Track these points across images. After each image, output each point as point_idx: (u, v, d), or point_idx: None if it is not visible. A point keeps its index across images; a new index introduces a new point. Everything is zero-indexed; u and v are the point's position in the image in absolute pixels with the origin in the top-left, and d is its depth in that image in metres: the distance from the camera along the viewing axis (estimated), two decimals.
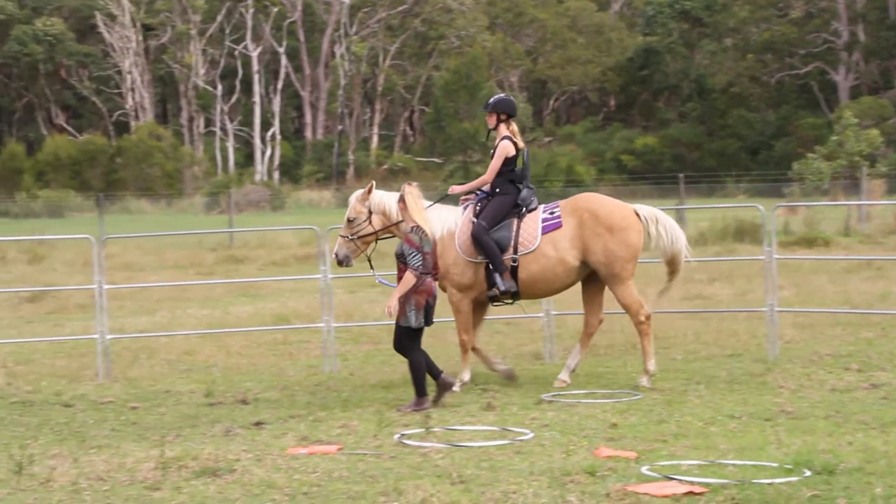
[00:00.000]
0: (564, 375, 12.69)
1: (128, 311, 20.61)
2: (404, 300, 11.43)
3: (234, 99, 77.69)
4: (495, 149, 12.83)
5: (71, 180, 66.04)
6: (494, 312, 18.50)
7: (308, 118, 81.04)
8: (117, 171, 67.88)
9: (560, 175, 47.70)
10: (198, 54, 77.14)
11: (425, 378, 11.57)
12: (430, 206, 12.66)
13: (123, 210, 57.36)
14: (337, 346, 14.92)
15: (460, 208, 12.95)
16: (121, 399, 12.88)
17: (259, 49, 77.25)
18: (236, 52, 77.50)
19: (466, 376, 12.70)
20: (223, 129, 76.85)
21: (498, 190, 12.77)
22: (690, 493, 8.09)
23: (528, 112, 78.23)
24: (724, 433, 10.08)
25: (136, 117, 76.97)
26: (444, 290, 12.61)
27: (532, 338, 15.53)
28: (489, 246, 12.44)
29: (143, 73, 78.30)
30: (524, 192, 12.83)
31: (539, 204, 12.90)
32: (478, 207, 12.79)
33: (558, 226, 12.57)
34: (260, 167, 75.28)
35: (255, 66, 76.78)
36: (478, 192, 12.94)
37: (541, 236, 12.55)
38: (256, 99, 76.68)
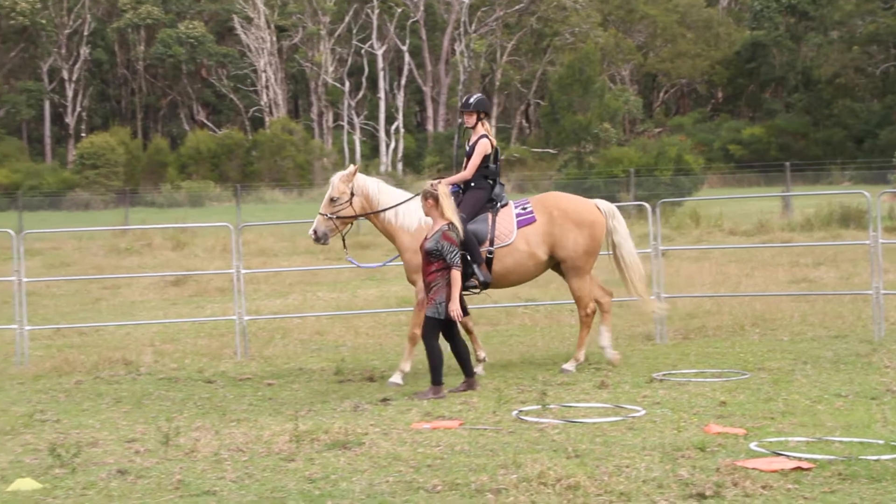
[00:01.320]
0: (611, 355, 12.67)
1: (263, 294, 20.89)
2: (438, 292, 11.18)
3: (360, 95, 78.22)
4: (474, 146, 12.67)
5: (211, 172, 67.12)
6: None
7: (429, 112, 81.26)
8: (253, 164, 68.79)
9: (669, 164, 47.08)
10: (327, 53, 77.79)
11: (442, 366, 11.33)
12: (410, 199, 12.52)
13: (258, 200, 58.12)
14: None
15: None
16: (258, 376, 13.07)
17: (384, 47, 77.64)
18: (363, 51, 78.01)
19: (407, 367, 12.26)
20: (350, 123, 77.42)
21: (473, 185, 12.62)
22: (798, 468, 7.94)
23: (639, 104, 77.49)
24: (830, 411, 9.88)
25: (270, 113, 77.90)
26: (413, 283, 12.39)
27: (643, 319, 15.39)
28: (469, 238, 12.18)
29: (277, 72, 79.22)
30: (496, 188, 12.72)
31: (508, 199, 12.80)
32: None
33: (532, 220, 12.52)
34: (385, 158, 75.71)
35: (381, 64, 77.21)
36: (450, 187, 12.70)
37: (516, 230, 12.47)
38: (381, 94, 77.10)
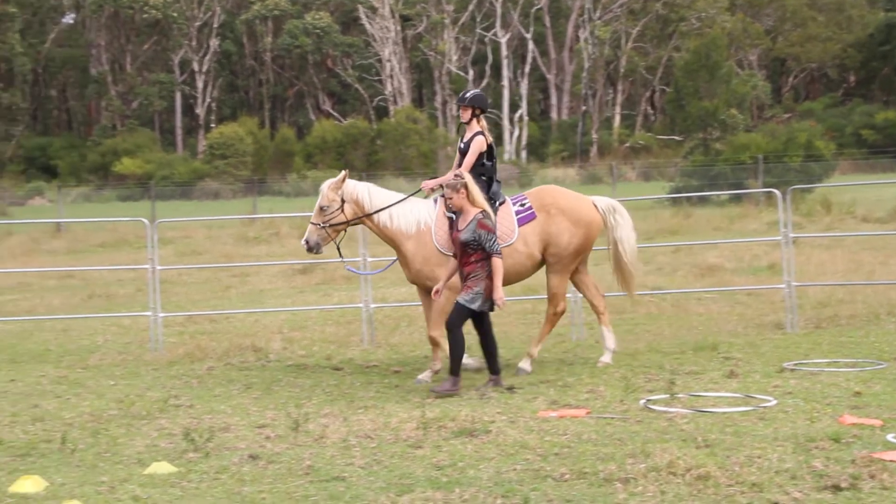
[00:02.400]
0: (607, 357, 12.31)
1: (388, 283, 21.01)
2: (476, 282, 10.91)
3: (484, 83, 78.23)
4: (468, 143, 12.37)
5: (336, 161, 67.71)
6: (735, 283, 18.15)
7: (553, 100, 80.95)
8: (377, 153, 69.29)
9: (799, 150, 46.14)
10: (451, 42, 77.97)
11: (462, 358, 11.11)
12: (404, 199, 12.28)
13: (384, 188, 58.49)
14: (583, 316, 14.87)
15: (430, 202, 12.43)
16: (384, 363, 13.17)
17: (508, 35, 77.52)
18: (486, 39, 78.01)
19: (438, 366, 12.06)
20: None
21: None
22: None
23: (767, 89, 76.13)
24: None
25: (395, 102, 78.38)
26: (423, 288, 12.10)
27: (773, 308, 15.12)
28: None
29: (401, 61, 79.67)
30: (494, 186, 12.42)
31: (505, 197, 12.49)
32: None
33: (532, 217, 12.19)
34: (508, 147, 75.63)
35: (504, 52, 77.12)
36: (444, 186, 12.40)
37: (517, 229, 12.18)
38: (505, 83, 77.02)
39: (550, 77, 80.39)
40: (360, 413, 10.27)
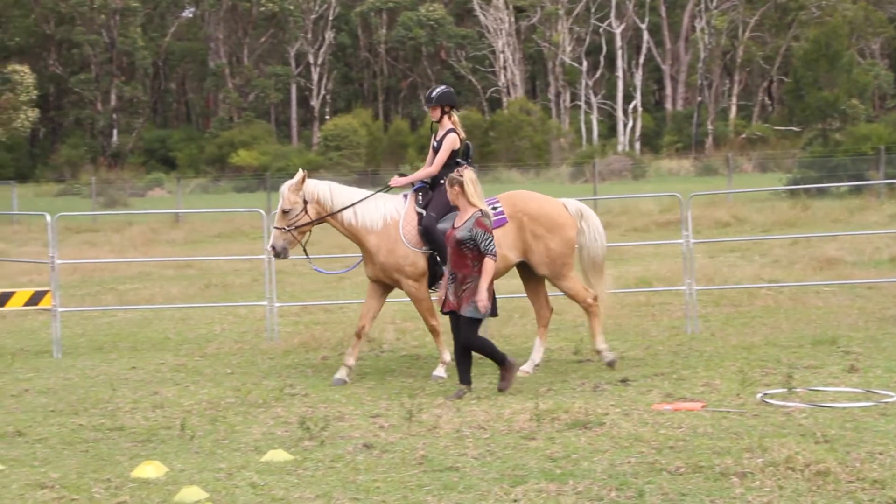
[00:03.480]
0: (528, 367, 11.95)
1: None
2: (474, 290, 10.47)
3: (598, 74, 77.75)
4: (441, 141, 12.16)
5: None
6: (855, 276, 17.78)
7: (668, 90, 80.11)
8: (490, 144, 69.24)
9: None
10: (565, 33, 77.61)
11: (496, 349, 10.86)
12: (368, 197, 12.13)
13: (495, 179, 58.44)
14: (698, 308, 14.70)
15: (399, 197, 12.31)
16: None
17: (622, 26, 76.92)
18: (601, 30, 77.50)
19: (447, 357, 12.03)
20: (587, 103, 77.08)
21: (442, 182, 11.98)
22: None
23: (890, 79, 74.37)
24: None
25: (508, 93, 78.29)
26: (397, 285, 12.11)
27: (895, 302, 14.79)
28: (439, 238, 11.74)
29: (515, 52, 79.54)
30: None
31: None
32: (420, 197, 12.15)
33: (502, 222, 11.88)
34: (622, 138, 75.07)
35: (619, 43, 76.56)
36: (414, 182, 12.33)
37: None
38: (619, 73, 76.45)
39: (665, 67, 79.56)
40: (473, 404, 10.28)
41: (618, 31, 76.30)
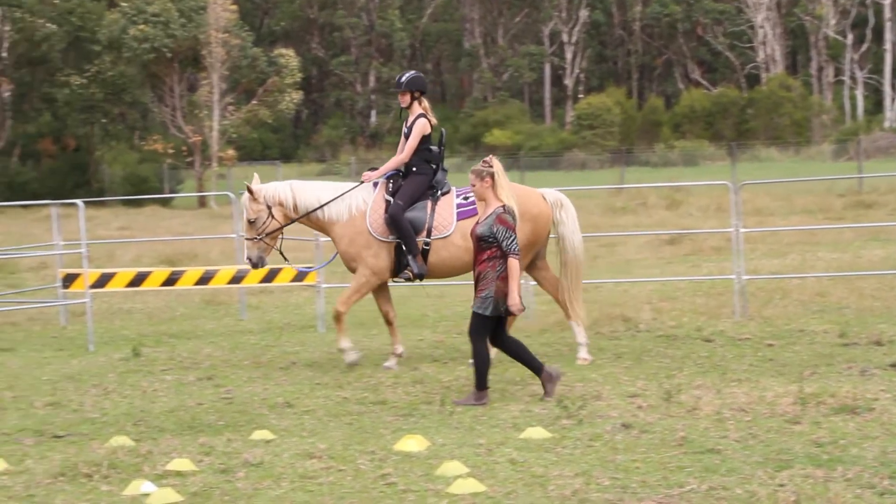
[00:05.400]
0: (583, 354, 11.81)
1: (760, 254, 20.55)
2: (487, 285, 9.75)
3: (864, 47, 74.80)
4: (411, 127, 11.74)
5: (704, 131, 66.74)
6: None
7: None
8: (748, 122, 67.68)
9: None
10: (829, 6, 74.96)
11: (488, 370, 9.98)
12: (339, 197, 11.83)
13: (753, 158, 57.14)
14: None
15: (369, 185, 11.86)
16: (757, 336, 12.87)
17: None
18: (868, 2, 74.46)
19: (346, 343, 11.92)
20: (852, 78, 74.27)
21: (414, 169, 11.72)
22: None
23: None
24: None
25: (767, 69, 76.20)
26: (353, 272, 11.82)
27: None
28: (405, 228, 11.41)
29: (775, 27, 77.31)
30: (439, 174, 11.78)
31: (451, 187, 11.83)
32: (390, 185, 11.74)
33: (473, 213, 11.38)
34: (889, 114, 71.99)
35: (887, 14, 73.36)
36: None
37: (455, 222, 11.54)
38: (887, 46, 73.26)
39: None
40: (734, 386, 10.10)
41: (887, 3, 73.09)
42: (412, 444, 8.41)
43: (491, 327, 9.87)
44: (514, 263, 9.72)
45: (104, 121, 55.61)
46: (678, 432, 8.49)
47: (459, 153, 66.59)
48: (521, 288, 9.90)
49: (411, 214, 11.66)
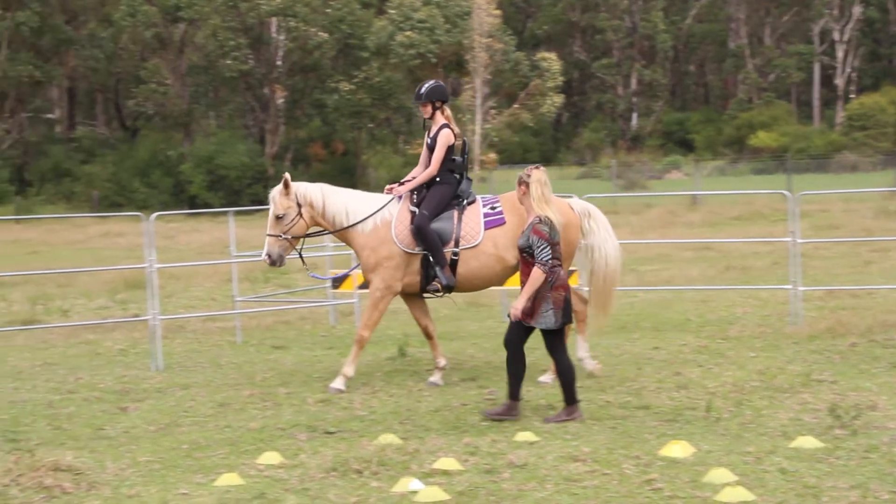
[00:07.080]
0: (590, 363, 11.66)
1: None
2: (540, 300, 9.51)
3: None
4: (435, 138, 11.17)
5: None
6: None
7: None
8: None
9: None
10: None
11: (575, 381, 9.73)
12: (374, 214, 11.46)
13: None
14: None
15: (392, 196, 11.60)
16: None
17: None
18: None
19: (350, 371, 11.48)
20: None
21: (438, 179, 11.12)
22: None
23: None
24: None
25: None
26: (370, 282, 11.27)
27: None
28: (432, 238, 10.90)
29: None
30: (463, 184, 11.16)
31: (476, 196, 11.23)
32: (414, 196, 11.22)
33: (501, 222, 11.08)
34: None
35: None
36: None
37: (483, 231, 10.96)
38: None
39: None
40: None
41: None
42: (677, 449, 8.30)
43: (563, 337, 9.84)
44: (537, 273, 9.57)
45: (371, 125, 57.24)
46: None
47: (723, 156, 65.45)
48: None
49: (437, 225, 11.35)
